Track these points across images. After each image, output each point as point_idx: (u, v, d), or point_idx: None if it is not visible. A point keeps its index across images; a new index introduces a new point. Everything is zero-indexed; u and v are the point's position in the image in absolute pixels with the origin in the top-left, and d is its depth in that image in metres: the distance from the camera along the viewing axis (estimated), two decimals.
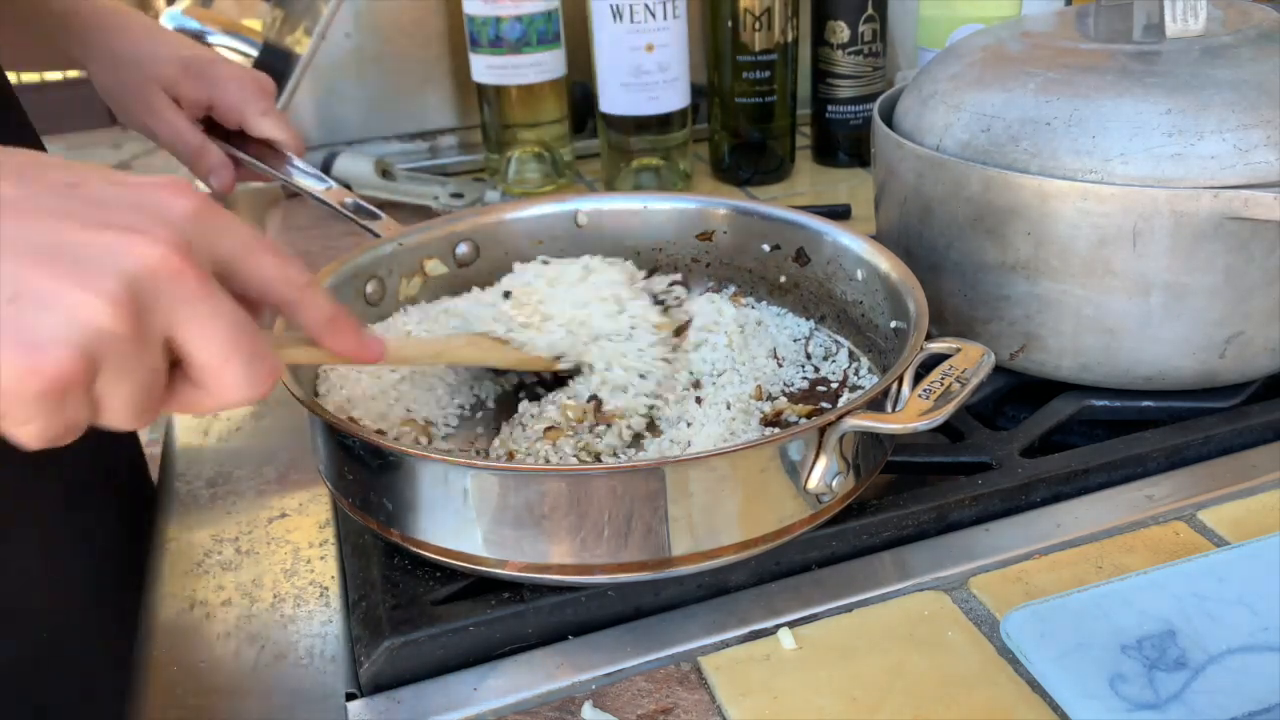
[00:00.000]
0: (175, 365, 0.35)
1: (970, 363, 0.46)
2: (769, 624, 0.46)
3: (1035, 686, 0.42)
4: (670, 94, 0.94)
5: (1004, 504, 0.52)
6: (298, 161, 0.67)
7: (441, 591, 0.46)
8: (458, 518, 0.44)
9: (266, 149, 0.66)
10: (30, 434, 0.33)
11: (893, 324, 0.55)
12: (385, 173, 0.96)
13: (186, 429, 0.64)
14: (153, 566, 0.52)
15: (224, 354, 0.35)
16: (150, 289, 0.33)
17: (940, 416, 0.43)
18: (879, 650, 0.44)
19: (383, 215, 0.63)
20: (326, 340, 0.41)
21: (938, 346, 0.48)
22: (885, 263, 0.56)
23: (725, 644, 0.45)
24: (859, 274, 0.59)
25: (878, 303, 0.57)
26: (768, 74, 0.97)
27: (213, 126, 0.69)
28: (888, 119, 0.65)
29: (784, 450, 0.43)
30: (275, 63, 1.01)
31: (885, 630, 0.45)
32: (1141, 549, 0.49)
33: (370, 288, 0.60)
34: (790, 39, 0.97)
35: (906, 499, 0.51)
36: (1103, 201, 0.52)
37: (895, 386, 0.47)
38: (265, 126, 0.66)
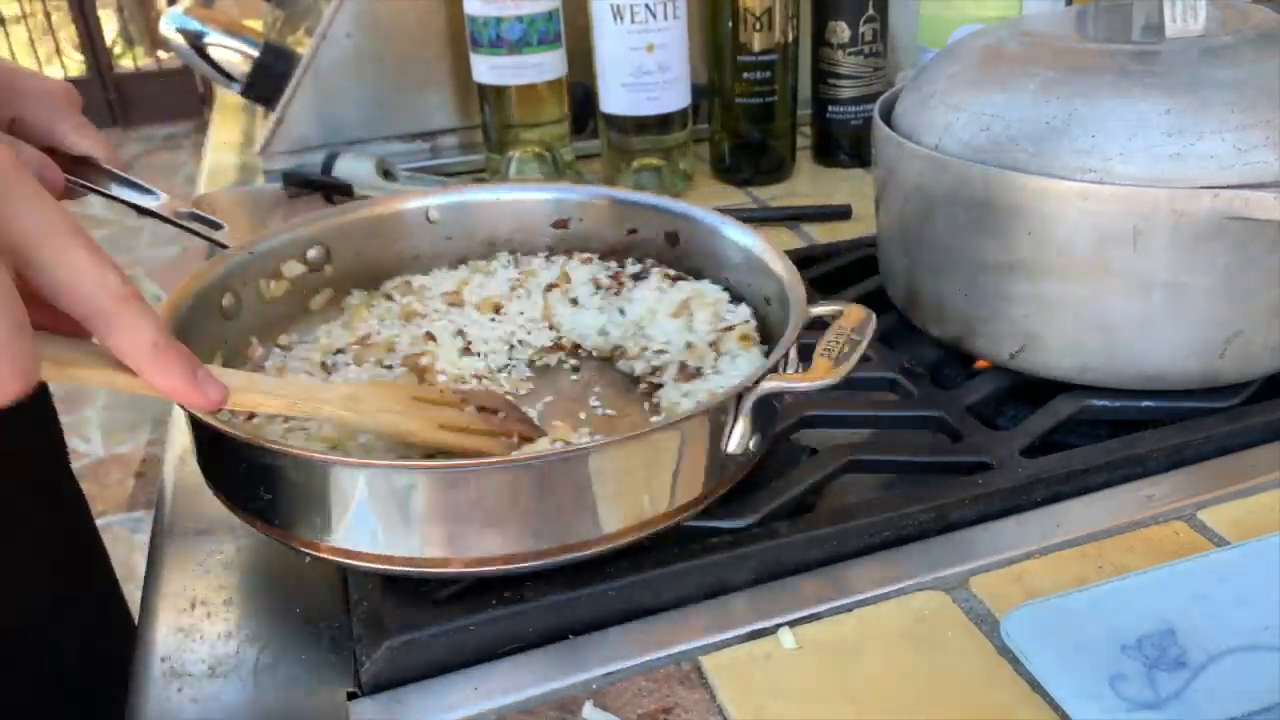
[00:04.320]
0: None
1: (856, 321, 0.49)
2: (769, 624, 0.46)
3: (1035, 686, 0.42)
4: (671, 94, 0.94)
5: (1004, 504, 0.52)
6: (118, 173, 0.59)
7: (442, 591, 0.46)
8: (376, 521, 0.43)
9: (80, 163, 0.58)
10: None
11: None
12: (386, 173, 0.96)
13: (186, 431, 0.64)
14: (154, 565, 0.52)
15: None
16: None
17: (846, 372, 0.45)
18: (879, 650, 0.45)
19: (225, 225, 0.58)
20: (149, 375, 0.35)
21: (820, 310, 0.51)
22: (747, 239, 0.58)
23: (726, 644, 0.45)
24: (726, 250, 0.60)
25: (743, 277, 0.59)
26: (768, 74, 0.97)
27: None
28: (888, 119, 0.66)
29: (708, 419, 0.45)
30: (276, 63, 1.01)
31: (885, 630, 0.46)
32: (1141, 549, 0.49)
33: (226, 301, 0.57)
34: (790, 39, 0.97)
35: (906, 499, 0.51)
36: (1103, 201, 0.53)
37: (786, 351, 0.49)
38: (79, 143, 0.58)
